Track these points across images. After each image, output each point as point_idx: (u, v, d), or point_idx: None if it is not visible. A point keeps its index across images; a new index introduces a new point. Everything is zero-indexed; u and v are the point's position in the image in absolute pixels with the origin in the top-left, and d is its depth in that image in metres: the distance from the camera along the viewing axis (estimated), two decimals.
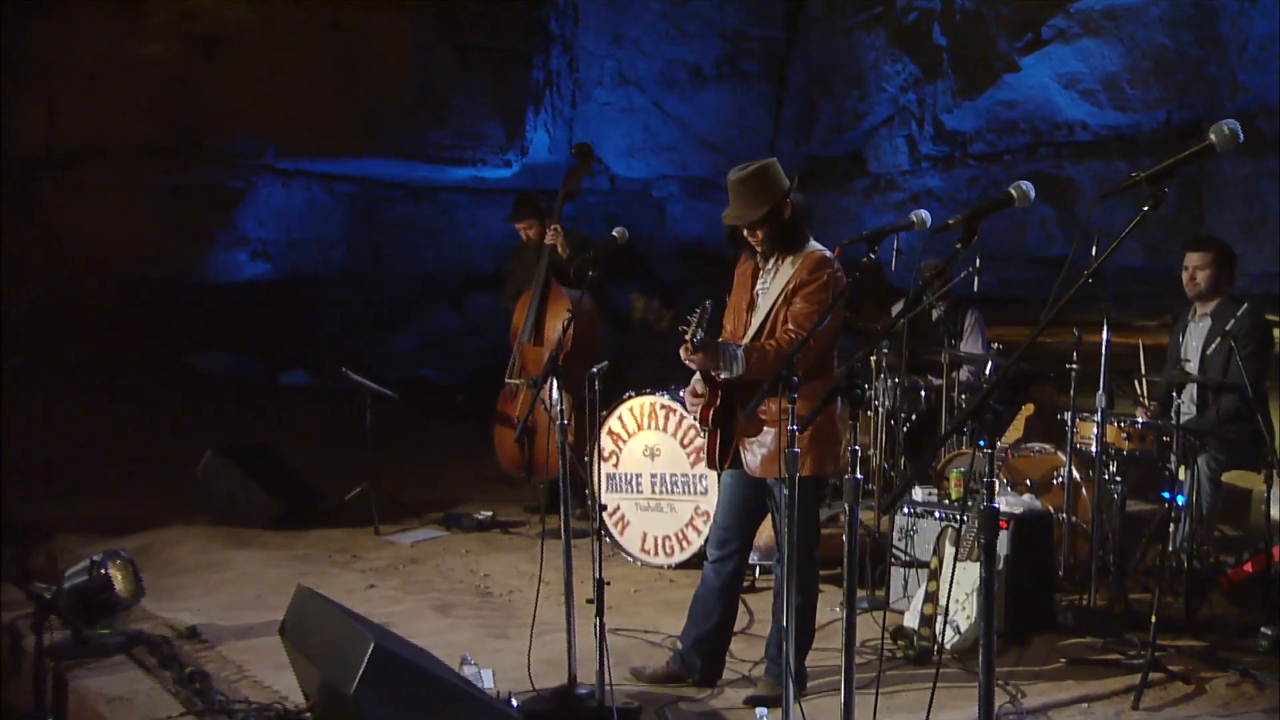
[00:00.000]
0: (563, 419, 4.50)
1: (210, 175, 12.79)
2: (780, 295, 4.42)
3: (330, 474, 8.15)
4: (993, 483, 2.65)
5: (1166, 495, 7.40)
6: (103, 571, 5.28)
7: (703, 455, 6.29)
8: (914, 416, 7.82)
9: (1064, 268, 2.89)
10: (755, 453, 4.46)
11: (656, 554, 6.56)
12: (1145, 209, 2.64)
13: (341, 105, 12.34)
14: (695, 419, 4.78)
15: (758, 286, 4.57)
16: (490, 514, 7.63)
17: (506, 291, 8.20)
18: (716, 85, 13.89)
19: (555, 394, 7.36)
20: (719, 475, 4.49)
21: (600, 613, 4.22)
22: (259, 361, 13.93)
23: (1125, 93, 10.22)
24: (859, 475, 3.32)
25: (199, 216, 12.99)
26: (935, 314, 8.60)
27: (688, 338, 4.22)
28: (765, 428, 4.40)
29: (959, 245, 3.11)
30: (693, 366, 4.41)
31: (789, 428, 3.63)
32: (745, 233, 4.46)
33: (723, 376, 4.36)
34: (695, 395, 4.60)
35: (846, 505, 3.32)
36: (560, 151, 14.38)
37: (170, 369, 12.68)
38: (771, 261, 4.53)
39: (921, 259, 3.81)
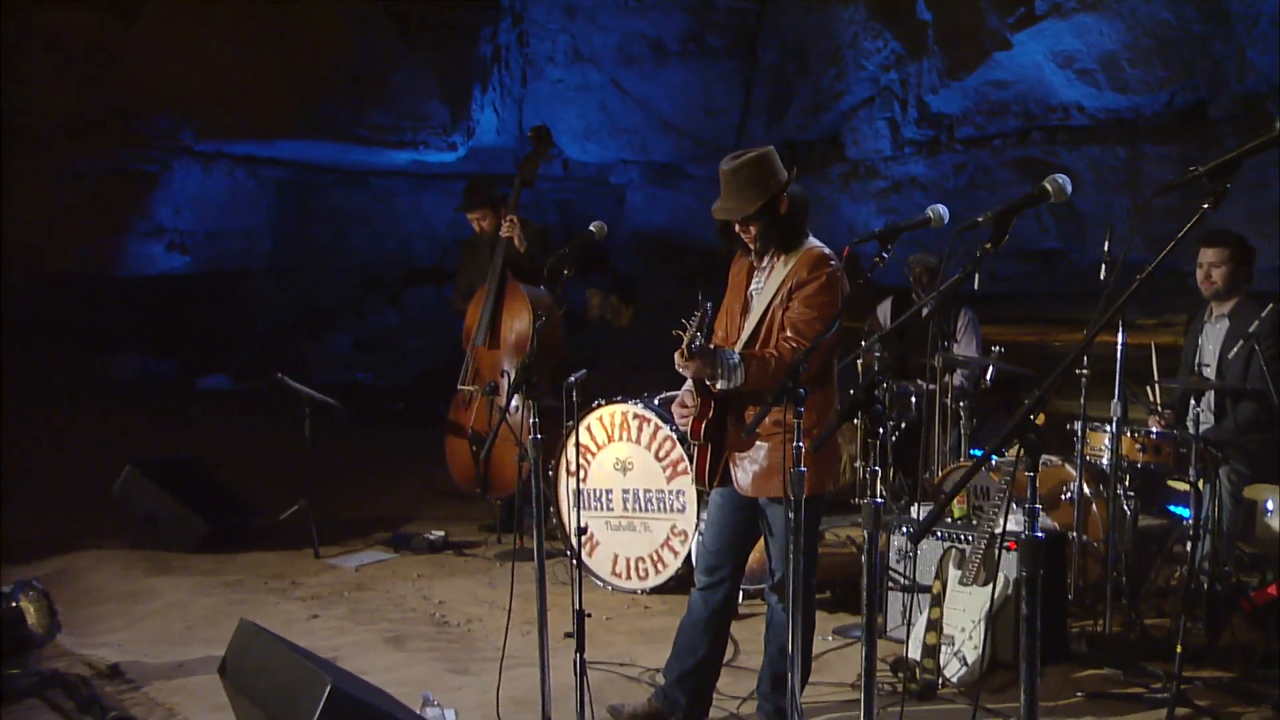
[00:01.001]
0: (537, 432, 4.37)
1: (121, 158, 12.57)
2: (776, 297, 4.36)
3: (263, 490, 8.02)
4: (1036, 509, 2.60)
5: (1174, 509, 7.47)
6: (13, 604, 5.13)
7: (679, 469, 6.31)
8: (903, 425, 7.81)
9: (1112, 269, 2.85)
10: (747, 470, 4.40)
11: (629, 577, 6.50)
12: (1205, 206, 2.58)
13: (269, 81, 12.20)
14: (682, 432, 4.70)
15: (752, 287, 4.51)
16: (442, 534, 7.53)
17: (457, 289, 8.10)
18: (680, 62, 13.86)
19: (514, 401, 7.42)
20: (700, 493, 4.42)
21: (581, 648, 4.14)
22: (176, 364, 13.72)
23: (1125, 73, 10.32)
24: (879, 498, 3.30)
25: (108, 204, 12.78)
26: (926, 313, 8.61)
27: (685, 343, 4.14)
28: (759, 442, 4.35)
29: (988, 245, 3.06)
30: (686, 375, 4.33)
31: (794, 444, 3.57)
32: (737, 228, 4.39)
33: (719, 387, 4.29)
34: (684, 407, 4.54)
35: (866, 533, 3.26)
36: (509, 133, 14.33)
37: (79, 372, 12.44)
38: (767, 260, 4.47)
39: (948, 251, 3.77)
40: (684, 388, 4.56)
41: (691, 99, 13.70)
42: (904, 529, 5.62)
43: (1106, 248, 5.65)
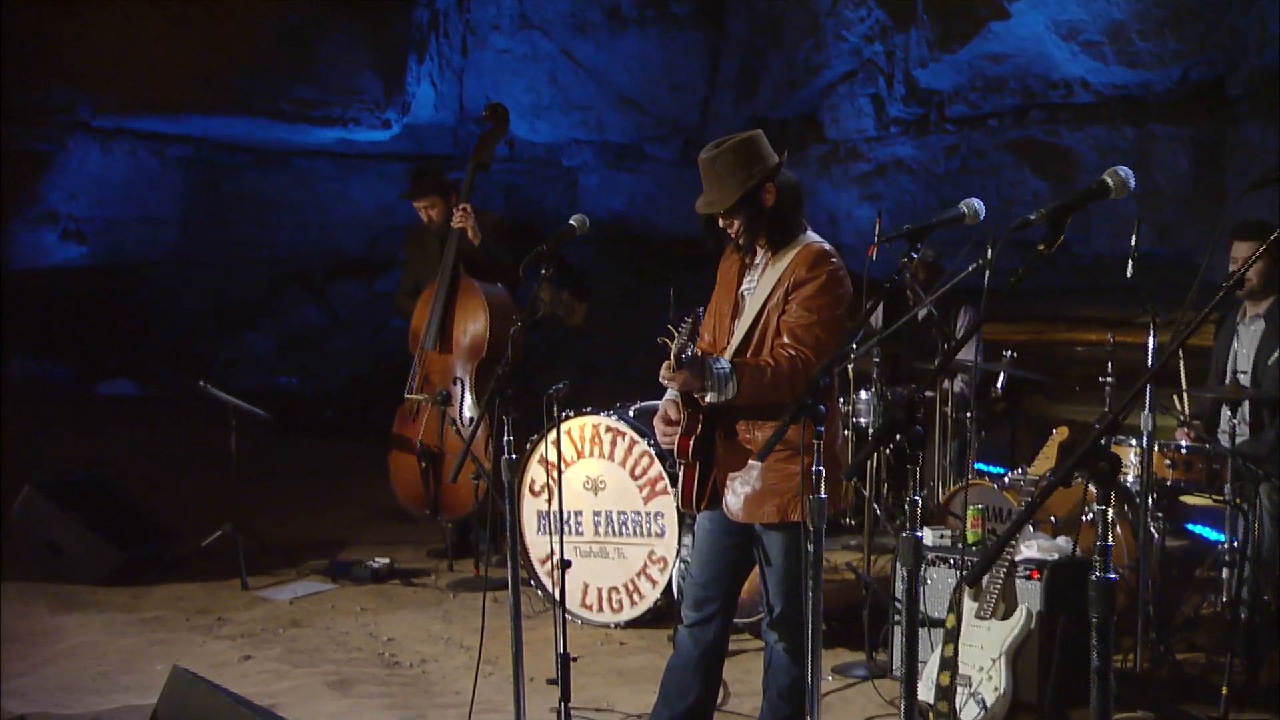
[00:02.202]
0: (512, 451, 4.32)
1: (8, 136, 12.34)
2: (770, 298, 4.32)
3: (181, 511, 7.97)
4: (1107, 547, 2.56)
5: (1194, 528, 7.51)
6: None
7: (658, 488, 6.27)
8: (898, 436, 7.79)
9: (1201, 269, 2.84)
10: (738, 493, 4.36)
11: (601, 609, 6.45)
12: (1040, 248, 2.94)
13: (178, 48, 12.03)
14: (667, 450, 4.65)
15: (744, 286, 4.47)
16: (387, 561, 7.47)
17: (402, 285, 8.04)
18: (639, 31, 13.83)
19: (467, 412, 7.36)
20: (680, 517, 4.40)
21: (566, 696, 4.09)
22: (73, 368, 13.51)
23: (1134, 45, 10.39)
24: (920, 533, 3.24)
25: None
26: (923, 313, 8.62)
27: (674, 353, 4.09)
28: (751, 462, 4.31)
29: (1041, 248, 3.02)
30: (673, 388, 4.28)
31: (814, 467, 3.53)
32: (721, 223, 4.36)
33: (708, 400, 4.24)
34: (668, 422, 4.48)
35: (905, 570, 3.23)
36: (447, 109, 14.26)
37: None
38: (760, 256, 4.43)
39: (992, 249, 3.74)
40: (665, 398, 4.51)
41: (652, 72, 13.67)
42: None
43: (1134, 241, 5.65)
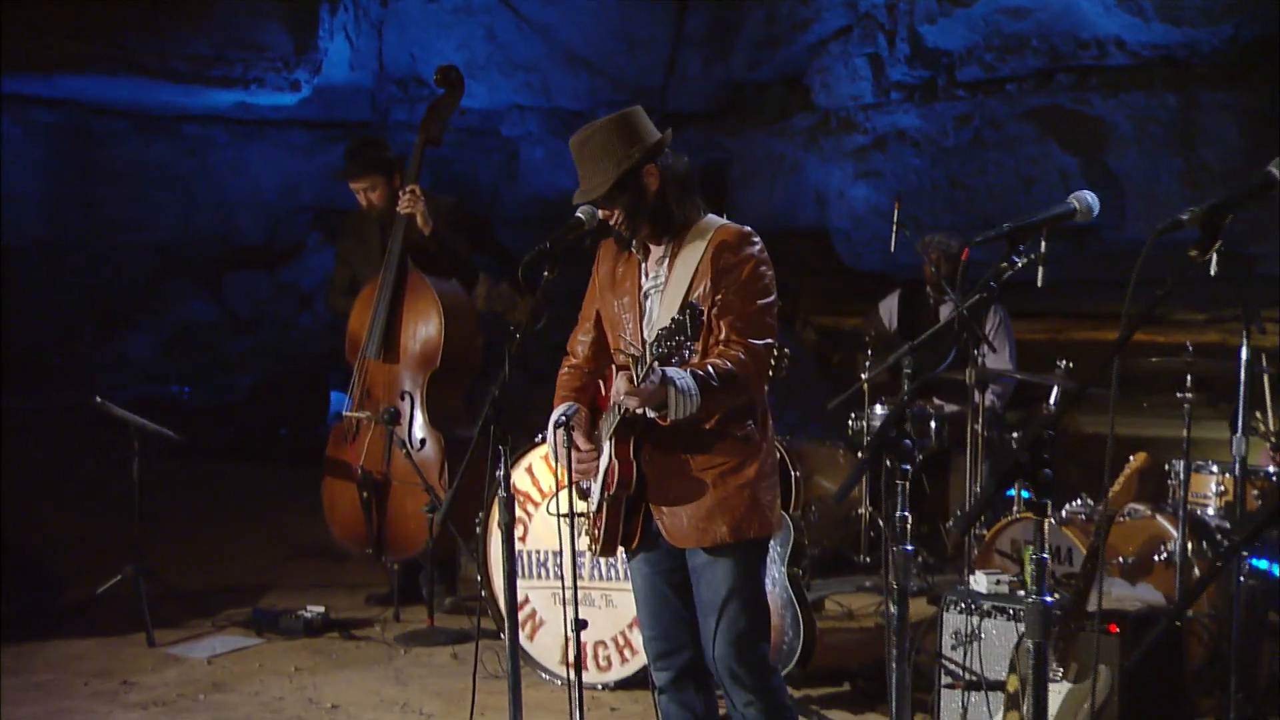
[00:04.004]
0: (508, 487, 4.22)
1: None
2: (689, 293, 4.32)
3: (69, 552, 7.80)
4: (1043, 560, 2.61)
5: (1258, 563, 7.53)
6: None
7: None
8: (919, 457, 7.79)
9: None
10: (680, 516, 4.35)
11: (585, 667, 6.29)
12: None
13: None
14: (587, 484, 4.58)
15: (647, 284, 4.49)
16: (321, 610, 7.40)
17: (336, 281, 7.97)
18: None
19: (418, 433, 7.27)
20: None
21: None
22: None
23: None
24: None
25: None
26: (944, 312, 8.62)
27: (646, 365, 4.02)
28: (693, 477, 4.32)
29: (1193, 253, 2.96)
30: (630, 406, 4.20)
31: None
32: (600, 214, 4.43)
33: (670, 418, 4.16)
34: (581, 449, 4.46)
35: (895, 584, 3.24)
36: (365, 68, 14.11)
37: None
38: (661, 249, 4.46)
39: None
40: (558, 420, 4.47)
41: (607, 26, 13.50)
42: (960, 602, 5.54)
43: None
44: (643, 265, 4.49)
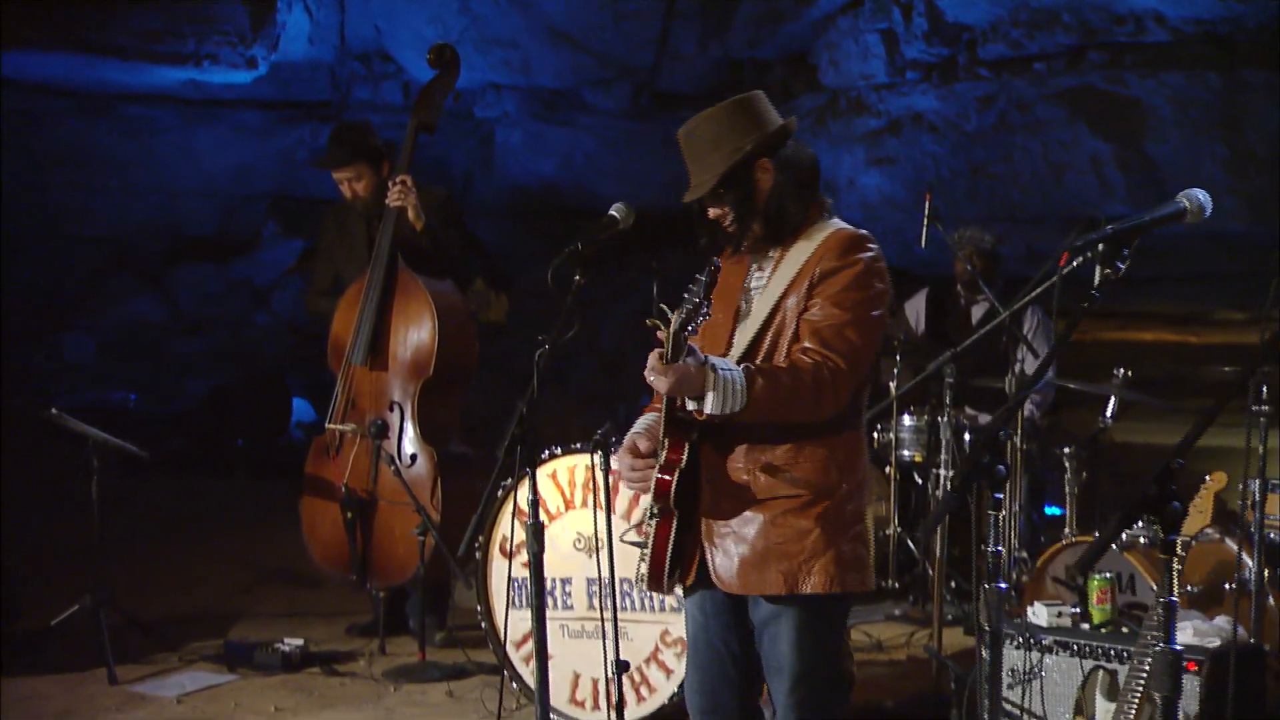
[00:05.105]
0: (538, 514, 4.19)
1: None
2: (787, 295, 4.24)
3: (20, 579, 7.77)
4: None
5: None
6: None
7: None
8: (951, 473, 7.81)
9: None
10: (730, 552, 4.20)
11: (597, 706, 6.34)
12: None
13: None
14: (638, 491, 4.48)
15: (751, 285, 4.39)
16: (300, 643, 7.35)
17: (316, 281, 7.97)
18: None
19: (409, 447, 7.24)
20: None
21: None
22: None
23: None
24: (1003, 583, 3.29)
25: None
26: (976, 313, 8.63)
27: (670, 336, 3.92)
28: (748, 513, 4.18)
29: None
30: (659, 389, 4.08)
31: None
32: (710, 214, 4.34)
33: (706, 411, 4.06)
34: (637, 454, 4.31)
35: (988, 628, 3.25)
36: (326, 43, 14.13)
37: None
38: (773, 250, 4.35)
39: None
40: (634, 429, 4.39)
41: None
42: (1024, 635, 5.54)
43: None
44: (751, 266, 4.39)
